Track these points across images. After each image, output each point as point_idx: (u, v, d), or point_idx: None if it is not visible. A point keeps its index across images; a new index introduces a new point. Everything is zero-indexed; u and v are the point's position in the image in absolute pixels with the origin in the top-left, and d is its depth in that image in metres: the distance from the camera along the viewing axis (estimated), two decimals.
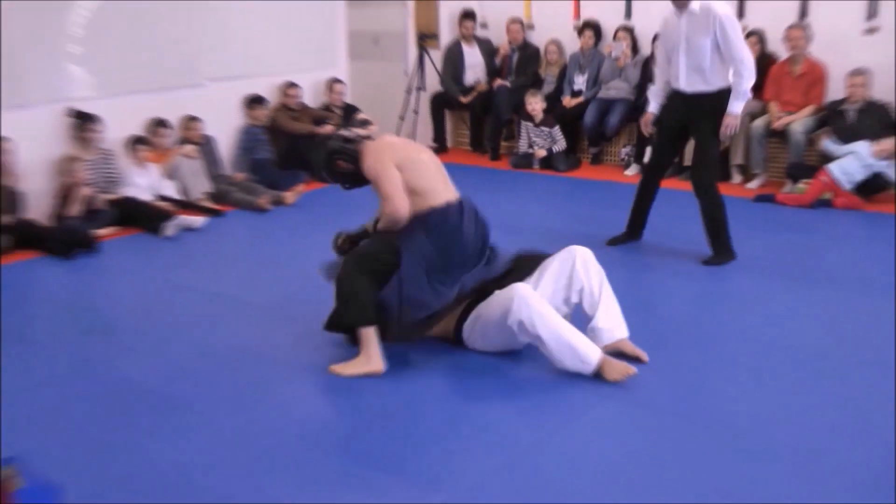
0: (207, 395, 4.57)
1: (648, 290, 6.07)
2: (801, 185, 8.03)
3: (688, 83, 6.21)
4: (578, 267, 4.79)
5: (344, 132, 5.07)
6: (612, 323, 4.78)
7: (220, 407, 4.44)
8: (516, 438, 4.02)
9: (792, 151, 8.43)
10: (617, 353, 4.68)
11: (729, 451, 3.89)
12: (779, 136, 8.54)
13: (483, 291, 4.82)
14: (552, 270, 4.85)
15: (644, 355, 4.73)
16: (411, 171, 4.73)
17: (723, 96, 6.12)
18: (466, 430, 4.12)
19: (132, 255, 7.10)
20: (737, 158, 8.69)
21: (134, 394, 4.62)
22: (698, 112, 6.23)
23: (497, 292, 4.67)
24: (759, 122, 8.55)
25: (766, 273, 6.18)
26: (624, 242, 6.78)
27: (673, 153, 6.77)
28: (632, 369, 4.48)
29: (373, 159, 4.75)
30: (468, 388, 4.61)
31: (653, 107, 6.59)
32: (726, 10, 6.03)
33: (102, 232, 7.43)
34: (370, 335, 4.65)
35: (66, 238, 7.08)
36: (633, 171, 9.42)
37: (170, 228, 7.47)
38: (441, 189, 4.78)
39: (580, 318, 4.80)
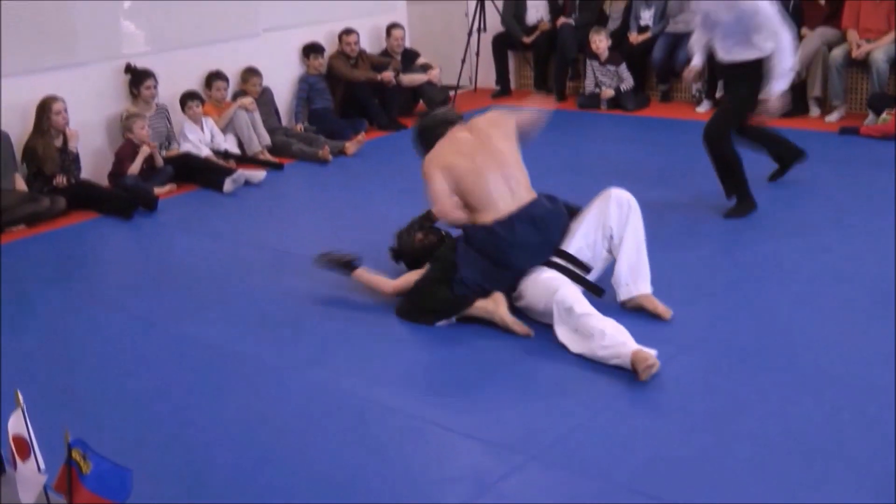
0: (273, 350, 4.63)
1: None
2: (886, 116, 7.52)
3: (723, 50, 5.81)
4: (612, 211, 4.62)
5: (445, 113, 5.21)
6: (630, 277, 4.58)
7: (286, 361, 4.50)
8: (590, 397, 3.98)
9: (874, 81, 7.87)
10: (638, 308, 4.53)
11: (817, 397, 3.77)
12: (859, 65, 8.02)
13: None
14: (590, 221, 4.69)
15: (667, 312, 4.49)
16: (465, 185, 4.75)
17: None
18: (543, 390, 4.10)
19: (192, 212, 7.10)
20: (815, 91, 8.06)
21: (195, 349, 4.71)
22: (732, 74, 5.87)
23: (539, 280, 4.58)
24: (837, 52, 7.97)
25: (848, 212, 5.90)
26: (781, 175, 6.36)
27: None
28: (653, 363, 3.99)
29: (427, 163, 4.87)
30: (540, 349, 4.45)
31: (697, 60, 6.09)
32: None
33: (161, 190, 7.42)
34: (478, 309, 4.64)
35: (126, 198, 7.06)
36: (705, 107, 8.95)
37: (229, 184, 7.40)
38: (495, 200, 4.72)
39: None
